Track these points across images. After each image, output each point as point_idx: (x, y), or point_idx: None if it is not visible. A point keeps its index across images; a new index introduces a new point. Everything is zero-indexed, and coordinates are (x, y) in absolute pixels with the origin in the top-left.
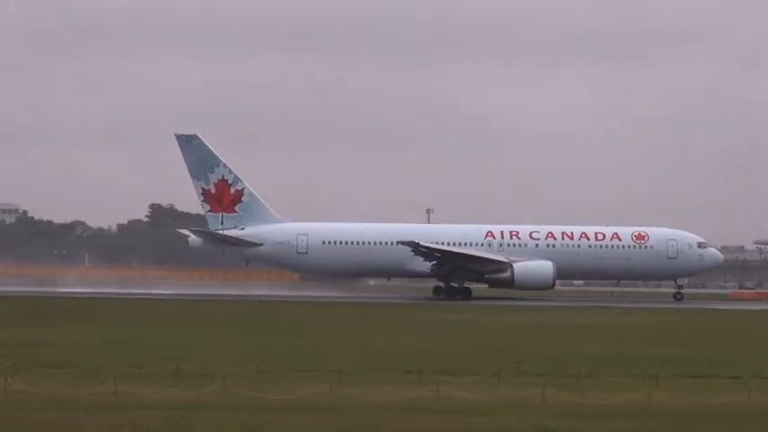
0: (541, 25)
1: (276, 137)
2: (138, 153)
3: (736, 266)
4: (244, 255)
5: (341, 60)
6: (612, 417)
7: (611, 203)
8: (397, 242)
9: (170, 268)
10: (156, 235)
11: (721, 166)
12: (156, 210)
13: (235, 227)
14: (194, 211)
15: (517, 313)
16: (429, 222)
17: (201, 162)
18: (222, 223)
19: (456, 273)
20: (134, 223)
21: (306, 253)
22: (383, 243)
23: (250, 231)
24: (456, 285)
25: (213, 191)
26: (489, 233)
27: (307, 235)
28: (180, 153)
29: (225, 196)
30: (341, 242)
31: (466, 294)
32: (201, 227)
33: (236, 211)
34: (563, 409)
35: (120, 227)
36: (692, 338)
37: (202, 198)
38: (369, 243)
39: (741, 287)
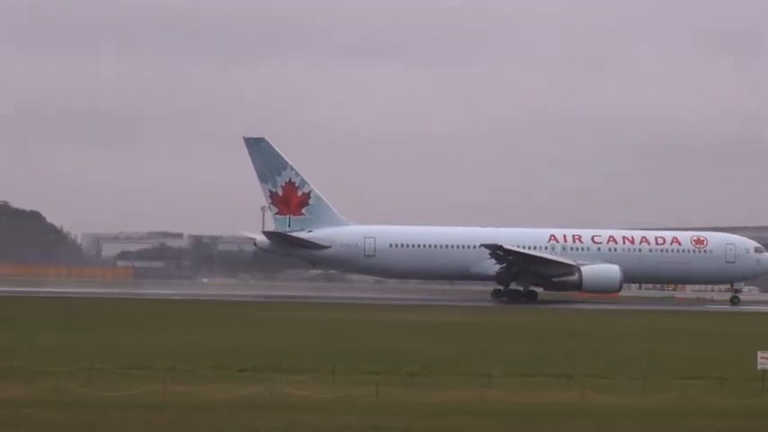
0: (365, 22)
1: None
2: None
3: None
4: (311, 257)
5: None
6: (446, 414)
7: (450, 202)
8: (481, 245)
9: (6, 265)
10: None
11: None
12: None
13: (302, 229)
14: (29, 208)
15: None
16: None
17: (269, 165)
18: (289, 225)
19: (522, 276)
20: None
21: (373, 256)
22: (450, 246)
23: (317, 234)
24: (521, 288)
25: (280, 193)
26: (552, 237)
27: (374, 238)
28: (248, 156)
29: (292, 199)
30: (408, 245)
31: (531, 297)
32: (37, 222)
33: (303, 214)
34: (397, 407)
35: None
36: (533, 337)
37: (270, 201)
38: (435, 246)
39: None
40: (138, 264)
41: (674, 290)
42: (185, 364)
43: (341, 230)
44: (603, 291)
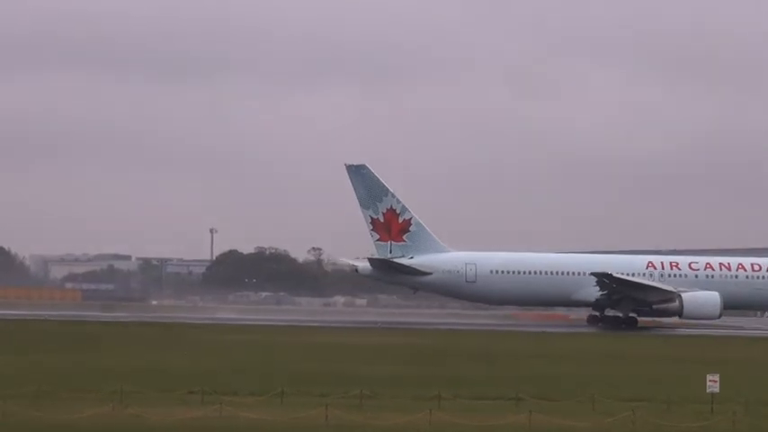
0: (304, 43)
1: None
2: None
3: None
4: (412, 283)
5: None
6: None
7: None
8: (590, 273)
9: None
10: None
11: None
12: None
13: (403, 255)
14: None
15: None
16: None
17: (370, 191)
18: (391, 252)
19: (622, 302)
20: None
21: (474, 282)
22: (551, 273)
23: (419, 260)
24: (621, 315)
25: (382, 220)
26: (650, 264)
27: (475, 264)
28: (349, 182)
29: (393, 225)
30: (508, 271)
31: (631, 323)
32: None
33: (404, 240)
34: (345, 429)
35: None
36: (477, 359)
37: (371, 227)
38: (536, 273)
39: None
40: (86, 286)
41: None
42: (134, 386)
43: (442, 257)
44: (704, 317)
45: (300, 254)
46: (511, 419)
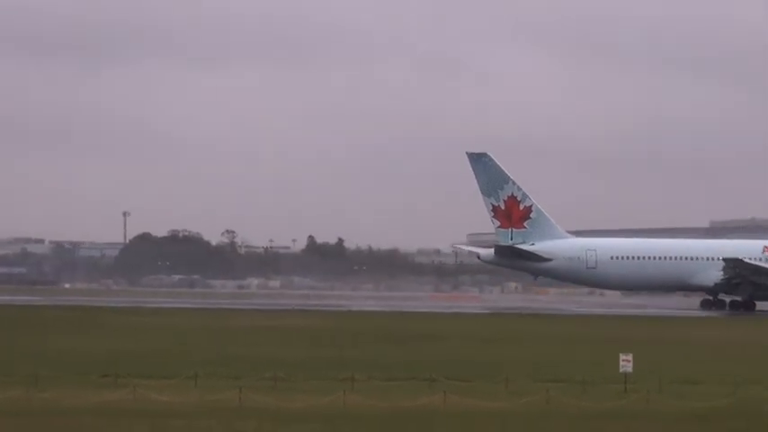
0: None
1: None
2: None
3: (432, 269)
4: (533, 269)
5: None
6: (308, 420)
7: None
8: (722, 258)
9: None
10: None
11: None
12: None
13: (523, 242)
14: None
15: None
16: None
17: (492, 179)
18: (512, 239)
19: (740, 287)
20: None
21: (595, 268)
22: (669, 258)
23: (540, 247)
24: (739, 299)
25: (503, 207)
26: (766, 248)
27: (595, 250)
28: (471, 170)
29: (514, 212)
30: (628, 257)
31: (750, 307)
32: None
33: (524, 227)
34: (259, 411)
35: None
36: (390, 341)
37: (492, 214)
38: (655, 258)
39: (437, 290)
40: None
41: None
42: (48, 370)
43: (562, 243)
44: None
45: (214, 236)
46: (425, 400)
